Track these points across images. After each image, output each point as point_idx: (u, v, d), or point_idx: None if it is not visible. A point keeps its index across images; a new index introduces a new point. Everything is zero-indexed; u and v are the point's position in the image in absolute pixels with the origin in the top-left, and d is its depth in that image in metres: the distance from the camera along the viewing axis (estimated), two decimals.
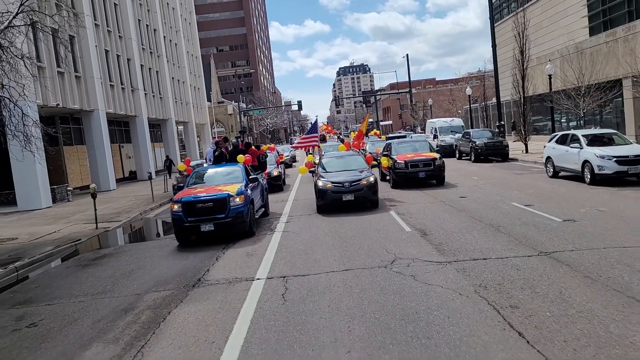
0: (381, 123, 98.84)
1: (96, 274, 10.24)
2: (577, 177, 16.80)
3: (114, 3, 34.57)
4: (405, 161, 18.44)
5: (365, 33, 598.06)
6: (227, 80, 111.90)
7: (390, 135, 43.78)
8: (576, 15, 31.49)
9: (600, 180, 15.36)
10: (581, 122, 27.41)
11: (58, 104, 24.78)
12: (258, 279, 8.48)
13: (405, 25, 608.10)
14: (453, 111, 60.74)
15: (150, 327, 6.70)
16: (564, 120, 35.50)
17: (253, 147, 18.43)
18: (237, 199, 11.85)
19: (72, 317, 7.50)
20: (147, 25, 40.96)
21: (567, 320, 5.65)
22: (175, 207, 11.93)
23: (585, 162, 15.81)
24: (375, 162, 20.24)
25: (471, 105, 39.84)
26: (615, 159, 14.99)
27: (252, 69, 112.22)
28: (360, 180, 14.49)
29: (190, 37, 56.61)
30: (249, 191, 12.65)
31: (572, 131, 18.63)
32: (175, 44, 49.30)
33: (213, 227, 11.64)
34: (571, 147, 16.73)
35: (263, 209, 14.87)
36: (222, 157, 16.46)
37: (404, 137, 33.66)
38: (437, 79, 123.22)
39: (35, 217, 20.09)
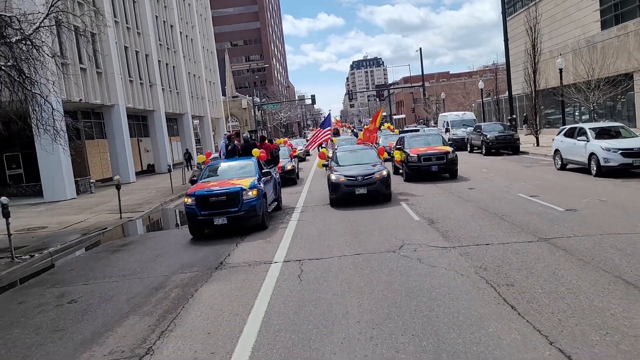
0: (394, 117, 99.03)
1: (125, 258, 11.03)
2: (584, 169, 17.23)
3: (133, 0, 35.41)
4: (418, 155, 18.63)
5: (379, 26, 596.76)
6: (241, 75, 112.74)
7: (405, 128, 44.28)
8: (589, 9, 31.64)
9: (605, 172, 15.80)
10: (594, 115, 27.68)
11: (81, 99, 25.69)
12: (276, 262, 9.17)
13: (420, 17, 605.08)
14: (466, 105, 60.85)
15: (179, 302, 7.42)
16: (577, 113, 35.67)
17: (267, 141, 18.63)
18: (250, 193, 11.95)
19: (108, 294, 8.26)
20: (164, 22, 41.81)
21: (557, 296, 6.25)
22: (189, 200, 12.04)
23: (592, 154, 16.25)
24: (387, 156, 20.58)
25: (483, 99, 40.08)
26: (620, 151, 15.42)
27: (266, 64, 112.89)
28: (373, 174, 14.60)
29: (206, 32, 57.41)
30: (261, 185, 12.77)
31: (579, 124, 19.05)
32: (191, 40, 50.14)
33: (226, 221, 11.75)
34: (578, 140, 17.16)
35: (276, 202, 15.01)
36: (235, 151, 16.90)
37: (418, 131, 34.12)
38: (450, 73, 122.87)
39: (62, 208, 21.02)
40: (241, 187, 11.95)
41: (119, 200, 17.49)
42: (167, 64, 41.07)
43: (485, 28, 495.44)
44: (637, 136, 16.63)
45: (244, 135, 20.16)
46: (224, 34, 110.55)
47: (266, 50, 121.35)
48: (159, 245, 12.12)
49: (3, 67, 12.86)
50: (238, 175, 13.16)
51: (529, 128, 31.13)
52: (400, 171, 20.46)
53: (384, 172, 14.74)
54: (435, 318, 5.89)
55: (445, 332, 5.49)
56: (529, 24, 28.08)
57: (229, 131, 50.75)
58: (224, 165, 14.40)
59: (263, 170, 13.77)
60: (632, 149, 15.29)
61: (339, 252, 9.44)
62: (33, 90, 13.95)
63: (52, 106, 14.42)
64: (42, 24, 13.73)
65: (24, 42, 12.71)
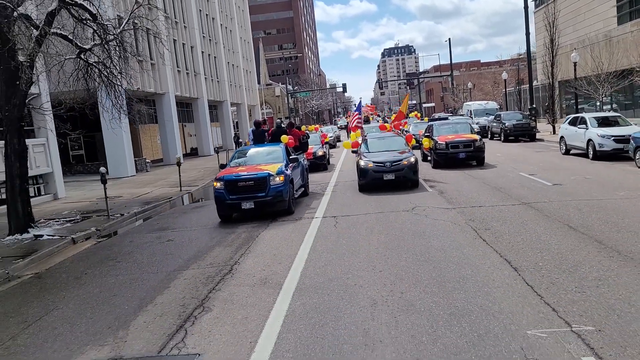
0: (424, 105, 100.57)
1: (196, 216, 14.03)
2: (584, 154, 19.46)
3: None
4: (446, 142, 19.14)
5: (412, 12, 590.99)
6: (274, 63, 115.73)
7: (433, 116, 46.42)
8: (608, 4, 33.22)
9: (600, 156, 18.06)
10: (612, 105, 29.50)
11: (138, 88, 28.91)
12: (316, 217, 11.99)
13: (453, 3, 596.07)
14: (495, 94, 62.28)
15: (249, 240, 10.32)
16: (598, 103, 37.31)
17: (295, 128, 18.98)
18: (277, 179, 12.25)
19: (194, 236, 11.23)
20: (206, 15, 44.88)
21: (517, 234, 8.89)
22: (218, 184, 12.44)
23: (589, 140, 18.51)
24: (416, 144, 21.14)
25: (507, 89, 41.89)
26: (613, 138, 17.65)
27: (299, 53, 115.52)
28: (401, 160, 15.06)
29: (243, 23, 60.38)
30: (288, 171, 13.04)
31: (581, 114, 21.20)
32: (230, 31, 53.15)
33: (253, 205, 12.10)
34: (579, 128, 19.39)
35: (303, 188, 15.31)
36: (263, 137, 17.80)
37: (447, 119, 36.23)
38: (481, 61, 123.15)
39: (127, 183, 24.31)
40: (268, 173, 12.29)
41: (179, 175, 20.59)
42: (209, 55, 44.20)
43: (521, 14, 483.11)
44: (631, 125, 18.76)
45: (277, 121, 22.18)
46: (257, 23, 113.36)
47: (298, 40, 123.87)
48: None
49: (95, 64, 15.95)
50: (266, 160, 13.53)
51: (549, 117, 33.06)
52: (429, 158, 21.09)
53: (412, 159, 15.21)
54: (430, 246, 8.61)
55: (434, 252, 8.21)
56: (547, 20, 29.95)
57: (263, 119, 53.85)
58: (252, 150, 14.82)
59: (291, 157, 14.08)
60: (623, 136, 17.48)
61: (365, 211, 12.20)
62: (116, 82, 17.08)
63: (130, 95, 17.53)
64: (125, 28, 16.79)
65: (113, 42, 15.75)
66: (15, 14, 11.94)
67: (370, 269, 7.57)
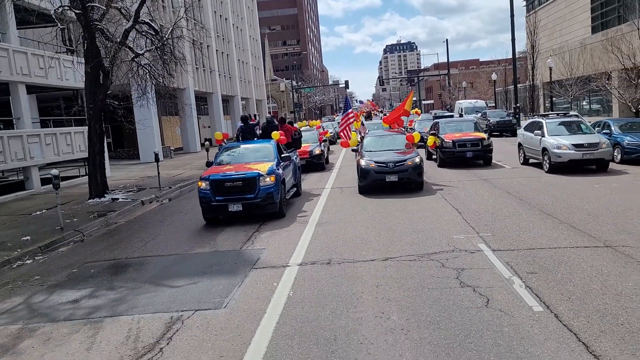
0: (423, 102, 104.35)
1: None
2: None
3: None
4: (453, 141, 18.71)
5: (416, 8, 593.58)
6: (278, 59, 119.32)
7: (431, 112, 50.20)
8: (586, 14, 36.95)
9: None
10: (592, 106, 33.22)
11: (165, 84, 32.65)
12: (326, 188, 15.78)
13: None
14: (490, 93, 66.06)
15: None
16: (579, 103, 41.14)
17: (287, 123, 17.87)
18: (268, 179, 11.42)
19: None
20: (220, 16, 48.56)
21: (469, 196, 12.68)
22: (203, 184, 11.51)
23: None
24: (420, 142, 20.51)
25: (497, 89, 45.65)
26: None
27: (303, 50, 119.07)
28: (405, 160, 14.11)
29: (252, 22, 64.01)
30: (280, 170, 12.28)
31: (546, 112, 24.99)
32: (240, 30, 56.81)
33: (241, 208, 11.25)
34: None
35: (295, 188, 14.49)
36: (252, 133, 16.62)
37: (451, 116, 39.60)
38: (480, 60, 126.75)
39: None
40: (258, 173, 11.47)
41: (208, 158, 24.30)
42: (222, 53, 47.91)
43: (524, 12, 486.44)
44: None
45: (267, 116, 22.03)
46: (262, 19, 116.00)
47: (302, 37, 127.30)
48: None
49: (144, 66, 19.70)
50: (255, 159, 12.63)
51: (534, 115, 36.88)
52: (434, 157, 20.64)
53: (417, 159, 14.19)
54: (407, 201, 12.41)
55: (410, 205, 12.02)
56: (529, 29, 33.66)
57: (269, 112, 57.36)
58: (241, 147, 13.88)
59: (282, 155, 13.25)
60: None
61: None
62: (160, 80, 20.85)
63: (169, 91, 21.30)
64: (170, 36, 20.54)
65: (163, 48, 19.48)
66: (98, 26, 15.70)
67: (365, 214, 11.40)
